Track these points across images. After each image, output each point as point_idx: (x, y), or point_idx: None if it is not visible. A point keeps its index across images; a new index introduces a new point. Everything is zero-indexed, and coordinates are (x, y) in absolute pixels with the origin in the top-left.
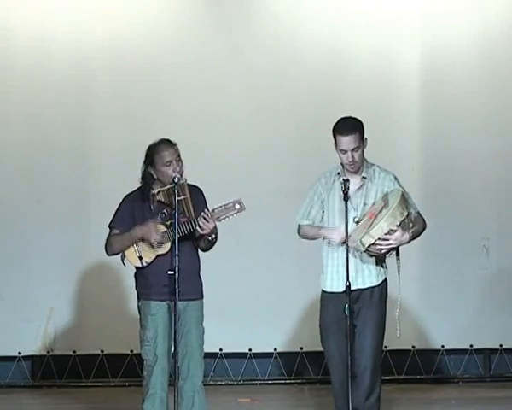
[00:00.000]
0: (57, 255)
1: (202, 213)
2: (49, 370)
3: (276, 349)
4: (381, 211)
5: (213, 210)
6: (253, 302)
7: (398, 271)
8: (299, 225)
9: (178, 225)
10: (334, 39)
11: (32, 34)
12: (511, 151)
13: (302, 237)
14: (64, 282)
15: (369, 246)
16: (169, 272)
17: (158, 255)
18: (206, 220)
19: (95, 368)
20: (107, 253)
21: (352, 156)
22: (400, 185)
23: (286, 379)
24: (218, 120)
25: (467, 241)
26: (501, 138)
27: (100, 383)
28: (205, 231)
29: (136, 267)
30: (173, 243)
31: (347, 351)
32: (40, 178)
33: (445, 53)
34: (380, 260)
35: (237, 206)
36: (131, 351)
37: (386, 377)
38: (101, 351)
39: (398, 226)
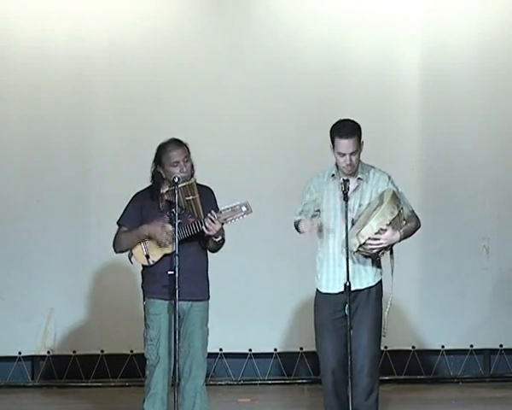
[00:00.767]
0: (57, 255)
1: (208, 215)
2: (49, 370)
3: (276, 349)
4: (375, 210)
5: (220, 212)
6: (253, 302)
7: (392, 270)
8: (294, 222)
9: (186, 226)
10: (334, 39)
11: (32, 34)
12: (511, 151)
13: (297, 231)
14: (64, 282)
15: (359, 246)
16: (169, 272)
17: (165, 254)
18: (213, 222)
19: (95, 368)
20: (114, 250)
21: (350, 160)
22: (394, 185)
23: (286, 379)
24: (217, 120)
25: (467, 241)
26: (501, 138)
27: (100, 383)
28: (211, 233)
29: (143, 266)
30: (179, 242)
31: (346, 351)
32: (40, 178)
33: (445, 53)
34: (376, 261)
35: (244, 208)
36: (131, 351)
37: (386, 378)
38: (101, 351)
39: (388, 225)
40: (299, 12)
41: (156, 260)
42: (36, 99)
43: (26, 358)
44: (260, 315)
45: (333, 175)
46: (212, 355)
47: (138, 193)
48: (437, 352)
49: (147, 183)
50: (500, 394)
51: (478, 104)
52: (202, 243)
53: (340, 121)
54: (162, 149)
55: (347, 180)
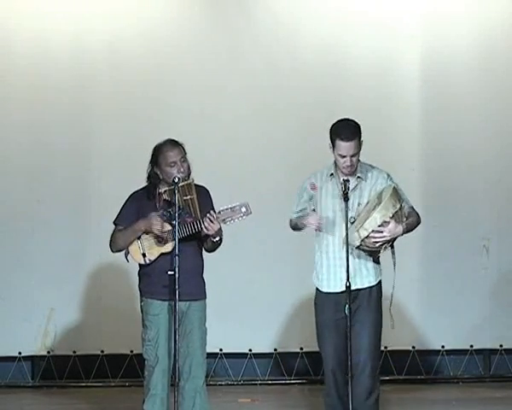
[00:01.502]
0: (57, 256)
1: (208, 215)
2: (49, 370)
3: (276, 349)
4: (376, 205)
5: (219, 212)
6: (253, 302)
7: (394, 266)
8: (290, 220)
9: (184, 225)
10: (334, 39)
11: (32, 34)
12: (511, 151)
13: (292, 229)
14: (64, 282)
15: (362, 239)
16: (169, 273)
17: (161, 254)
18: (212, 221)
19: (95, 368)
20: (111, 249)
21: (351, 161)
22: (393, 182)
23: (286, 379)
24: (217, 120)
25: (467, 241)
26: (501, 138)
27: (100, 383)
28: (209, 232)
29: (140, 265)
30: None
31: (346, 351)
32: (40, 178)
33: (445, 53)
34: (377, 260)
35: (244, 209)
36: (131, 351)
37: (386, 378)
38: (101, 351)
39: (391, 218)
40: (299, 12)
41: (153, 258)
42: (36, 99)
43: (26, 358)
44: (260, 315)
45: (331, 174)
46: (212, 355)
47: (134, 193)
48: (437, 352)
49: None
50: (500, 394)
51: (478, 104)
52: (199, 243)
53: (341, 122)
54: (158, 150)
55: (348, 180)
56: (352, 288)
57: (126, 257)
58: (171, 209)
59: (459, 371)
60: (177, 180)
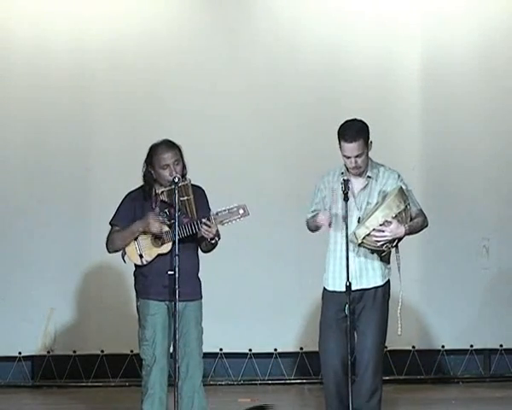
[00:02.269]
0: (57, 255)
1: (204, 220)
2: (49, 370)
3: (276, 349)
4: (377, 207)
5: (217, 213)
6: (253, 302)
7: (399, 267)
8: (306, 221)
9: (181, 226)
10: (334, 39)
11: (32, 34)
12: (511, 151)
13: (309, 229)
14: (64, 282)
15: (364, 238)
16: (169, 273)
17: (158, 255)
18: (208, 226)
19: (95, 368)
20: (108, 250)
21: (356, 162)
22: (404, 183)
23: (286, 379)
24: (217, 120)
25: (467, 241)
26: (501, 138)
27: (100, 383)
28: (207, 236)
29: (136, 266)
30: (174, 243)
31: (347, 351)
32: (40, 178)
33: (445, 53)
34: (386, 260)
35: (241, 211)
36: (131, 351)
37: (387, 377)
38: (102, 351)
39: (393, 218)
40: (299, 12)
41: (150, 259)
42: (36, 99)
43: (26, 358)
44: (260, 315)
45: (342, 173)
46: (212, 355)
47: (130, 193)
48: (437, 352)
49: None
50: (500, 394)
51: (478, 104)
52: (196, 244)
53: (346, 122)
54: (153, 151)
55: (348, 180)
56: (358, 288)
57: (123, 258)
58: (167, 210)
59: (459, 371)
60: (176, 180)
